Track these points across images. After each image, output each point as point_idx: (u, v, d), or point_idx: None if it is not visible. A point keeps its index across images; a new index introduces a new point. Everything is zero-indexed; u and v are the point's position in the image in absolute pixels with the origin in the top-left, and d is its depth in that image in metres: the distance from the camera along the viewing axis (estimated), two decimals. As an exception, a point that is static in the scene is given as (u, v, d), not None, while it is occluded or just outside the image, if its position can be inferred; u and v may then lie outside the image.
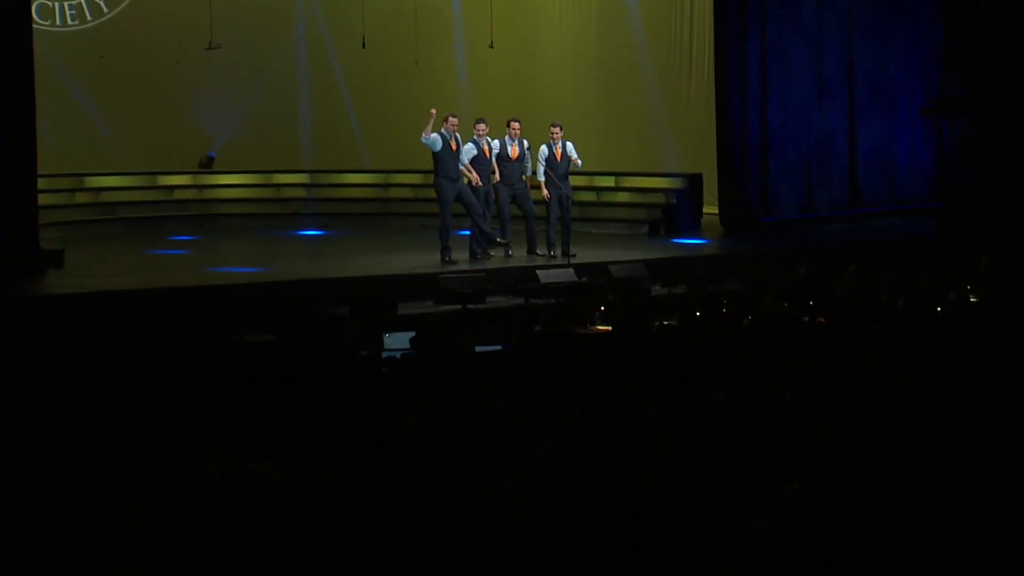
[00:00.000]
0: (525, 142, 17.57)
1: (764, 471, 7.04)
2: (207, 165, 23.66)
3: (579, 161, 17.60)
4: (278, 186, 23.40)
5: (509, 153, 17.45)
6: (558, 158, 17.51)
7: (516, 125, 17.47)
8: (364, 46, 21.93)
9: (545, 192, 17.40)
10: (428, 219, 20.78)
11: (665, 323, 13.30)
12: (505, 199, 17.48)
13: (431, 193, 17.61)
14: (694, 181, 21.12)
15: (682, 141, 22.07)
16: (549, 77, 23.25)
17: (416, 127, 21.32)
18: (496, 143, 17.38)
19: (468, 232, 17.31)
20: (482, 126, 17.34)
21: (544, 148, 17.50)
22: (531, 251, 17.62)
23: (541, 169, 17.41)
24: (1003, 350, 10.34)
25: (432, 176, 17.23)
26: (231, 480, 6.75)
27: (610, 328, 13.60)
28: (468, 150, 17.28)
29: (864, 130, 21.88)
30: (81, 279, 15.80)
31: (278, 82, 23.91)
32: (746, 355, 10.64)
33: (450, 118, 17.22)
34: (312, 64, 24.07)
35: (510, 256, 17.29)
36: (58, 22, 22.69)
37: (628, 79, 22.60)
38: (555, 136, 17.50)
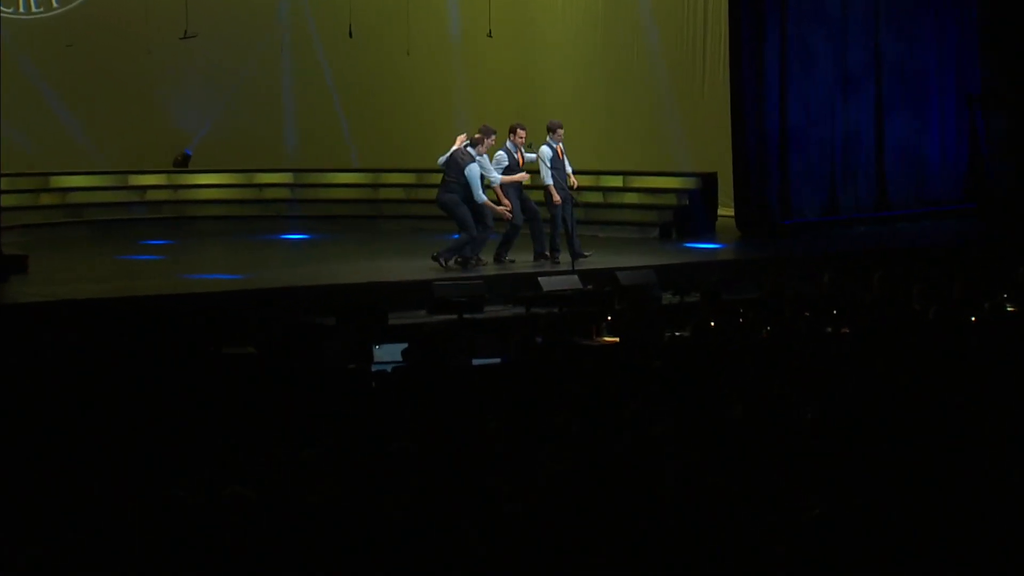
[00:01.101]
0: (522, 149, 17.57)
1: (783, 494, 7.02)
2: (182, 164, 23.64)
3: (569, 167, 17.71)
4: (259, 186, 23.38)
5: (517, 162, 17.46)
6: (561, 158, 17.53)
7: (523, 133, 17.50)
8: (351, 35, 21.94)
9: (556, 197, 17.38)
10: (421, 221, 20.80)
11: (676, 334, 13.29)
12: (518, 210, 17.46)
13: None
14: (708, 181, 21.12)
15: (695, 137, 22.06)
16: (551, 68, 23.24)
17: (410, 122, 21.37)
18: (502, 154, 17.38)
19: (456, 236, 17.31)
20: (522, 132, 17.41)
21: (546, 149, 17.48)
22: (541, 254, 17.61)
23: (547, 171, 17.37)
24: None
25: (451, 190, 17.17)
26: (207, 505, 6.74)
27: (617, 339, 13.59)
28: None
29: (891, 126, 21.87)
30: (46, 287, 15.79)
31: (259, 73, 23.90)
32: (764, 369, 10.62)
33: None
34: (296, 54, 24.07)
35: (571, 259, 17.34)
36: (21, 9, 22.68)
37: (637, 70, 22.60)
38: (560, 136, 17.51)
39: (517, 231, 17.48)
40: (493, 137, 17.34)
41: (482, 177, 17.12)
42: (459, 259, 17.11)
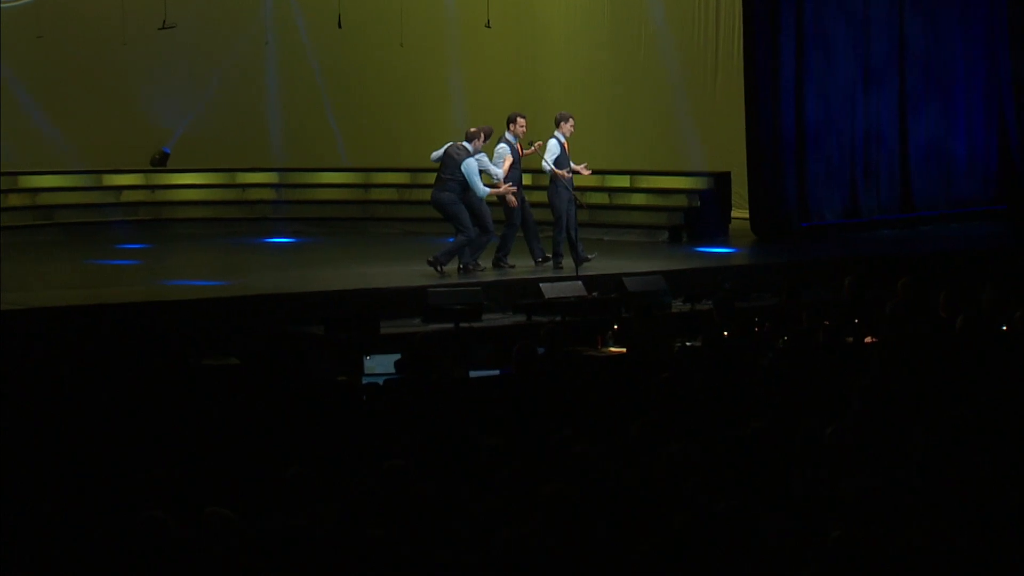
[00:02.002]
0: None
1: (803, 516, 7.01)
2: (160, 163, 23.63)
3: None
4: (243, 186, 23.38)
5: (518, 155, 17.39)
6: (568, 154, 17.46)
7: (523, 122, 17.40)
8: (340, 26, 21.93)
9: (559, 172, 17.20)
10: (415, 224, 20.78)
11: (688, 344, 13.27)
12: (518, 208, 17.40)
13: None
14: (721, 181, 21.11)
15: (707, 135, 22.06)
16: (554, 61, 23.24)
17: (403, 118, 21.35)
18: (503, 147, 17.30)
19: (452, 239, 17.29)
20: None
21: (553, 142, 17.42)
22: (544, 258, 17.59)
23: (549, 160, 17.33)
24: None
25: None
26: (185, 528, 6.72)
27: (624, 350, 13.57)
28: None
29: (917, 121, 21.86)
30: (14, 294, 15.77)
31: (242, 67, 23.90)
32: (781, 382, 10.60)
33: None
34: (282, 46, 24.06)
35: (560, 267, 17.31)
36: (-12, -2, 22.69)
37: (645, 63, 22.60)
38: (568, 129, 17.41)
39: (514, 231, 17.44)
40: (489, 139, 17.30)
41: (482, 173, 17.08)
42: (459, 266, 17.07)
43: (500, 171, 17.08)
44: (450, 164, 17.04)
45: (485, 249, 17.32)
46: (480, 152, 17.14)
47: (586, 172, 17.49)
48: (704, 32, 22.30)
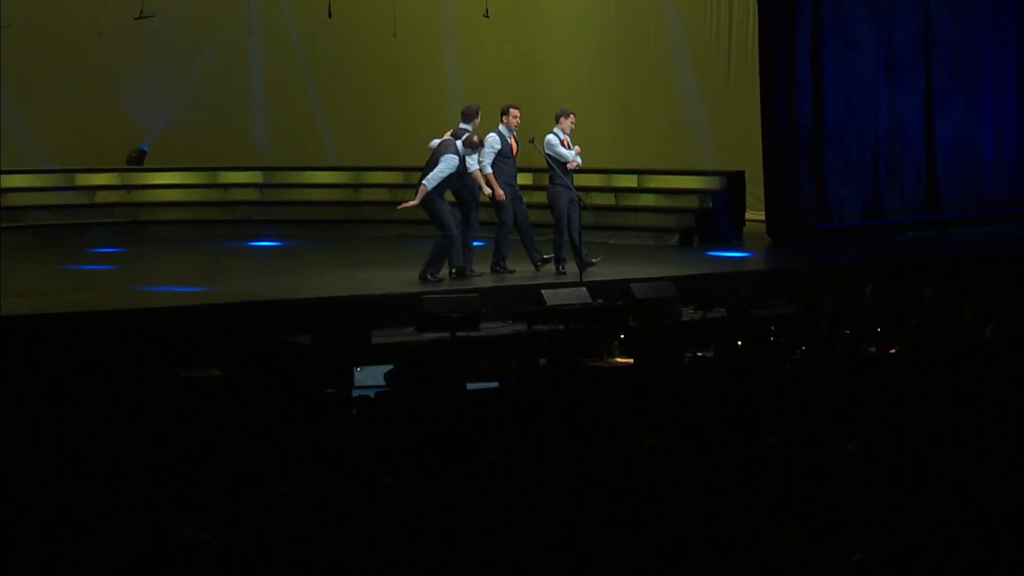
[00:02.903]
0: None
1: (823, 538, 7.00)
2: (137, 161, 23.63)
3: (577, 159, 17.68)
4: (225, 186, 23.38)
5: (510, 147, 17.39)
6: (569, 149, 17.45)
7: (517, 113, 17.42)
8: (330, 16, 21.95)
9: (568, 156, 17.21)
10: (409, 227, 20.76)
11: (699, 355, 13.26)
12: (509, 204, 17.40)
13: (411, 196, 17.53)
14: (734, 181, 21.11)
15: (720, 131, 22.06)
16: (557, 53, 23.24)
17: (396, 114, 21.34)
18: (493, 137, 17.30)
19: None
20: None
21: (552, 137, 17.43)
22: (535, 264, 17.59)
23: (549, 152, 17.32)
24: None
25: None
26: (161, 552, 6.71)
27: (631, 361, 13.57)
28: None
29: (944, 118, 21.85)
30: (-18, 301, 15.77)
31: (225, 59, 23.91)
32: (798, 395, 10.60)
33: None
34: (267, 37, 24.07)
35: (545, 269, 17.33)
36: (-47, -15, 22.71)
37: (654, 55, 22.61)
38: (568, 125, 17.44)
39: (507, 231, 17.42)
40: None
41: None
42: (451, 269, 17.06)
43: (488, 164, 17.00)
44: (434, 158, 17.05)
45: (472, 250, 17.24)
46: (488, 139, 17.10)
47: (575, 158, 17.41)
48: (716, 21, 22.31)
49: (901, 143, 21.63)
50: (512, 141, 17.40)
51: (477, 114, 17.34)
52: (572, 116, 17.59)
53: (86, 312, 15.20)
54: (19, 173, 22.44)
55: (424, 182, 16.89)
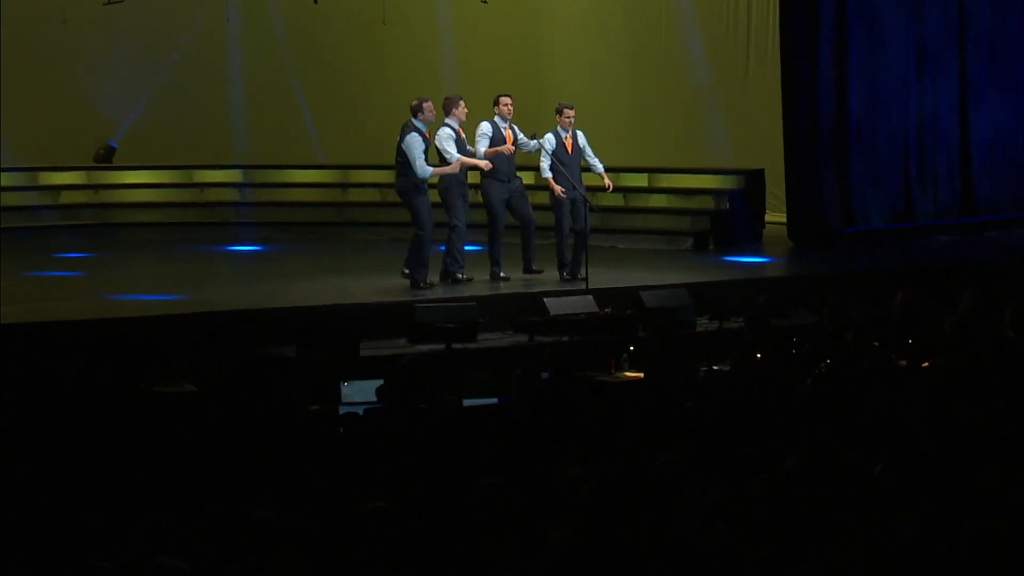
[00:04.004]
0: (516, 128, 17.47)
1: (850, 569, 7.00)
2: (106, 159, 23.63)
3: (598, 164, 17.64)
4: (201, 186, 23.38)
5: (504, 138, 17.40)
6: (569, 150, 17.50)
7: (508, 101, 17.42)
8: (316, 1, 21.96)
9: (558, 189, 17.33)
10: (399, 230, 20.73)
11: (715, 368, 13.26)
12: (499, 201, 17.41)
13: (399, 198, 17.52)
14: (753, 180, 21.12)
15: (737, 127, 22.07)
16: (562, 42, 23.25)
17: (386, 108, 21.31)
18: (485, 125, 17.32)
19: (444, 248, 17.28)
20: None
21: (551, 136, 17.46)
22: (528, 270, 17.59)
23: (547, 163, 17.38)
24: None
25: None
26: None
27: (641, 375, 13.57)
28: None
29: (979, 112, 21.85)
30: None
31: (201, 49, 23.91)
32: (822, 412, 10.59)
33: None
34: (247, 25, 24.07)
35: (504, 279, 17.29)
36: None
37: (666, 44, 22.62)
38: (570, 121, 17.45)
39: (498, 235, 17.41)
40: (460, 108, 17.20)
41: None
42: (441, 270, 17.05)
43: (455, 154, 16.90)
44: (399, 147, 17.04)
45: (462, 253, 17.22)
46: (449, 125, 17.04)
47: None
48: (733, 7, 22.32)
49: (932, 138, 21.63)
50: (506, 131, 17.35)
51: (423, 108, 17.16)
52: (566, 111, 17.52)
53: (49, 322, 15.20)
54: (-22, 172, 22.47)
55: (427, 174, 16.83)
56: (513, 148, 17.27)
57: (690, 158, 22.05)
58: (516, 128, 17.45)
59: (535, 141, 17.42)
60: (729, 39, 22.38)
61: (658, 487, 8.46)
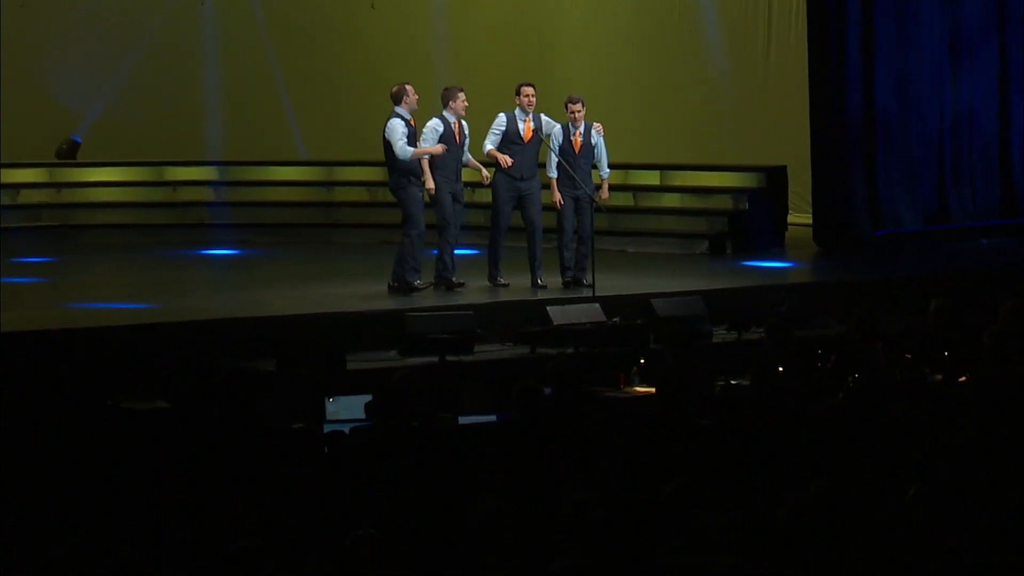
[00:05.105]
0: (543, 117, 17.45)
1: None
2: (69, 154, 23.64)
3: (604, 170, 17.62)
4: (173, 184, 23.38)
5: (520, 131, 17.35)
6: (576, 147, 17.47)
7: (530, 92, 17.36)
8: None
9: (556, 196, 17.36)
10: (390, 232, 20.74)
11: (732, 383, 13.27)
12: (506, 199, 17.38)
13: (392, 195, 17.55)
14: (774, 178, 21.13)
15: (757, 121, 22.10)
16: (566, 28, 23.28)
17: (375, 100, 21.30)
18: (501, 118, 17.31)
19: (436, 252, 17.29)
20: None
21: (558, 130, 17.46)
22: (534, 283, 17.55)
23: (554, 161, 17.37)
24: None
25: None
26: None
27: (653, 391, 13.56)
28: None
29: (1021, 102, 21.86)
30: None
31: (173, 35, 23.93)
32: (850, 431, 10.60)
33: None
34: (223, 9, 24.11)
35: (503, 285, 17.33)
36: None
37: (681, 32, 22.65)
38: (576, 116, 17.43)
39: (500, 237, 17.41)
40: (459, 101, 17.18)
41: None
42: (435, 276, 17.07)
43: (434, 145, 16.90)
44: (384, 140, 17.06)
45: (452, 255, 17.22)
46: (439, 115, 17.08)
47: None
48: (755, -2, 22.39)
49: (969, 134, 21.63)
50: (526, 124, 17.28)
51: (407, 93, 17.17)
52: (572, 106, 17.50)
53: (7, 333, 15.19)
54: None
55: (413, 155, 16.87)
56: (510, 162, 17.19)
57: (706, 154, 22.07)
58: (543, 118, 17.40)
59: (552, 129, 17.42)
60: (748, 23, 22.41)
61: (670, 513, 8.48)
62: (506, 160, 17.14)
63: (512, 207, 17.50)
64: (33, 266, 20.33)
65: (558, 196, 17.39)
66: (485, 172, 17.24)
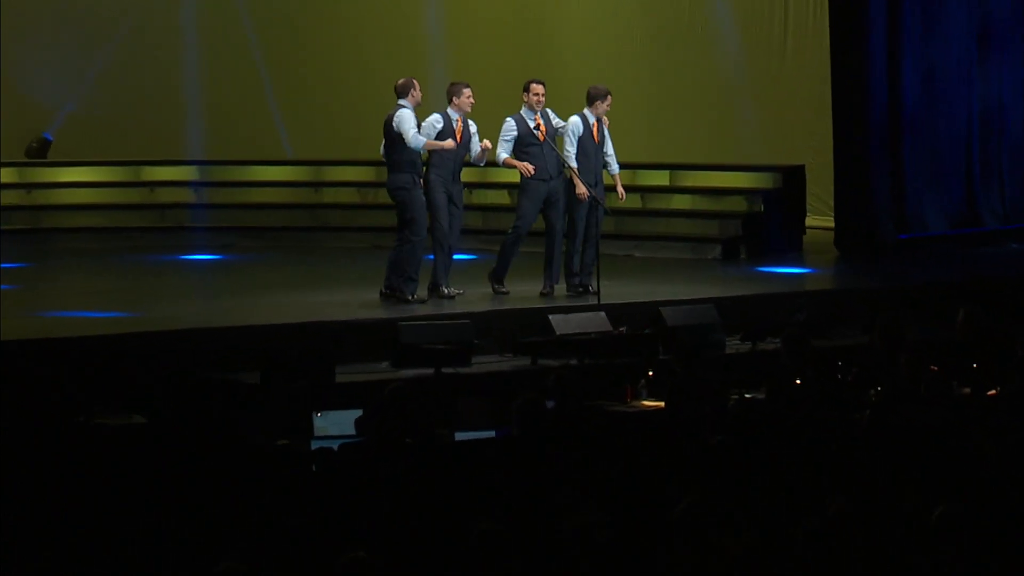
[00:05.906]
0: (551, 114, 17.41)
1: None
2: (40, 153, 23.66)
3: (613, 164, 17.59)
4: (150, 185, 23.40)
5: (534, 131, 17.28)
6: (596, 139, 17.39)
7: (539, 89, 17.31)
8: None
9: (581, 188, 17.21)
10: (380, 235, 20.77)
11: (747, 396, 13.27)
12: (535, 201, 17.30)
13: (385, 197, 17.58)
14: (791, 178, 21.15)
15: (773, 119, 22.12)
16: (571, 22, 23.29)
17: (365, 96, 21.39)
18: (510, 121, 17.27)
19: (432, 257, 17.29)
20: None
21: (577, 120, 17.35)
22: (547, 289, 17.57)
23: (573, 150, 17.26)
24: None
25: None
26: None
27: (662, 405, 13.58)
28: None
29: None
30: None
31: (150, 31, 23.94)
32: (873, 447, 10.61)
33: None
34: (203, 2, 24.11)
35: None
36: None
37: (693, 25, 22.67)
38: (600, 108, 17.34)
39: (518, 242, 17.39)
40: (464, 97, 17.17)
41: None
42: (430, 284, 17.08)
43: (429, 140, 16.88)
44: (390, 134, 17.01)
45: (449, 264, 17.23)
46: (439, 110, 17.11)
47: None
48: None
49: (999, 132, 21.69)
50: (538, 123, 17.23)
51: (414, 87, 17.19)
52: (601, 101, 17.47)
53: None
54: None
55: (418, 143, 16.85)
56: (533, 169, 17.17)
57: (718, 153, 22.11)
58: (552, 114, 17.39)
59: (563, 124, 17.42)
60: (764, 16, 22.43)
61: (681, 535, 8.48)
62: (528, 168, 17.10)
63: (539, 210, 17.39)
64: (3, 273, 20.31)
65: (583, 189, 17.25)
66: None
